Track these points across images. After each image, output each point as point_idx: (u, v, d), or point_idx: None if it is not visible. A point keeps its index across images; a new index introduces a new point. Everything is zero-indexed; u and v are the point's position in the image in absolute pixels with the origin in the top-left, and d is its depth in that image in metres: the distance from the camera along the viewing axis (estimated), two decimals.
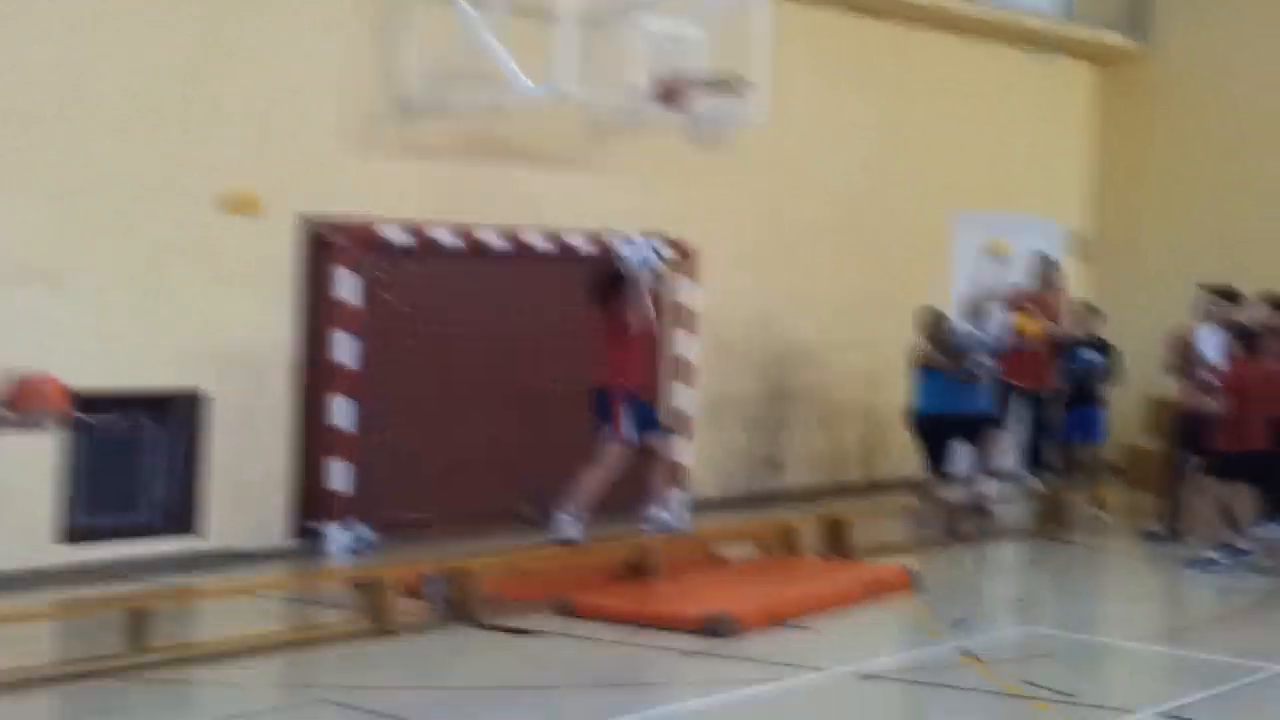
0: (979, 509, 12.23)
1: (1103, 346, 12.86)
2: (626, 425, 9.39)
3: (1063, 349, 12.89)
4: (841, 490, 13.97)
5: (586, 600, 8.46)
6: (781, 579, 9.43)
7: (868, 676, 7.05)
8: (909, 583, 9.31)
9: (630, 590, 8.91)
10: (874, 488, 14.08)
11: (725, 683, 7.03)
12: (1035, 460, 12.60)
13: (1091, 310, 13.22)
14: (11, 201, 9.19)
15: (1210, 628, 8.82)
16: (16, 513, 9.18)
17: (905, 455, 12.85)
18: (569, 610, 8.39)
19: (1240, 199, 15.57)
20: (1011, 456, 12.88)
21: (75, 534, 9.43)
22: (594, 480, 9.43)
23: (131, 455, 9.81)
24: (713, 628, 7.84)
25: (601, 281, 9.71)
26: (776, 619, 8.20)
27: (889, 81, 14.66)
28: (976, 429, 12.08)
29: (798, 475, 13.97)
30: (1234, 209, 15.58)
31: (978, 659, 7.46)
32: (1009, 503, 12.56)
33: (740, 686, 6.94)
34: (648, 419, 9.65)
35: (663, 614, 8.19)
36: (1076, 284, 16.08)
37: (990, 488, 12.27)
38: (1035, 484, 12.44)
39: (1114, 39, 16.40)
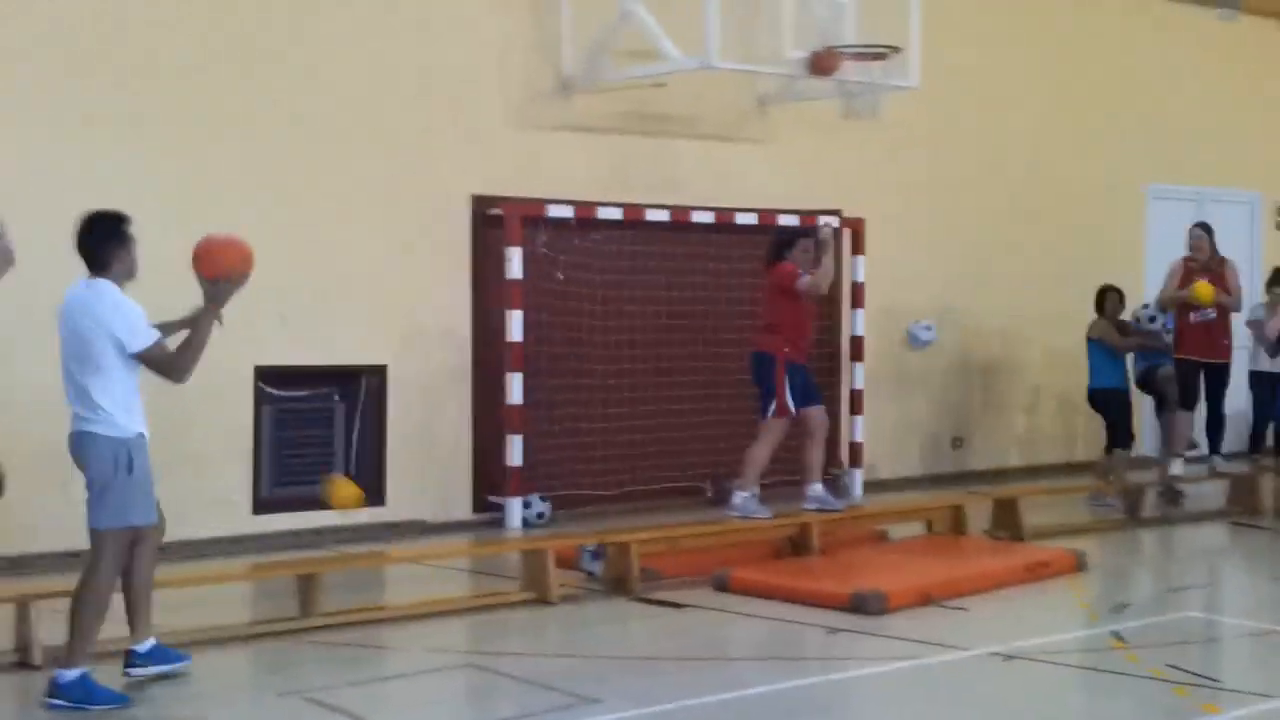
0: (1169, 490, 11.95)
1: None
2: (788, 394, 9.46)
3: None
4: (1033, 472, 13.79)
5: (741, 575, 8.62)
6: (941, 558, 9.43)
7: (1009, 657, 7.04)
8: (1075, 565, 9.19)
9: (786, 566, 9.06)
10: (1070, 469, 13.85)
11: (864, 659, 7.13)
12: (1219, 439, 12.16)
13: None
14: (209, 195, 9.81)
15: None
16: (214, 485, 9.83)
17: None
18: (724, 585, 8.58)
19: None
20: (1200, 437, 12.51)
21: (267, 504, 10.04)
22: (759, 453, 9.56)
23: (320, 428, 10.38)
24: (860, 604, 7.92)
25: (775, 242, 9.81)
26: (929, 598, 8.21)
27: (1069, 47, 14.36)
28: (1160, 405, 11.80)
29: (986, 456, 13.84)
30: None
31: (1124, 642, 7.37)
32: (1201, 483, 12.21)
33: (878, 663, 7.02)
34: (807, 390, 9.68)
35: (813, 590, 8.29)
36: (1273, 255, 15.54)
37: (1178, 468, 11.97)
38: (1221, 464, 12.03)
39: None
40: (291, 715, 6.10)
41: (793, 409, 9.47)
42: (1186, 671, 6.76)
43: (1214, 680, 6.67)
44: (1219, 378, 11.84)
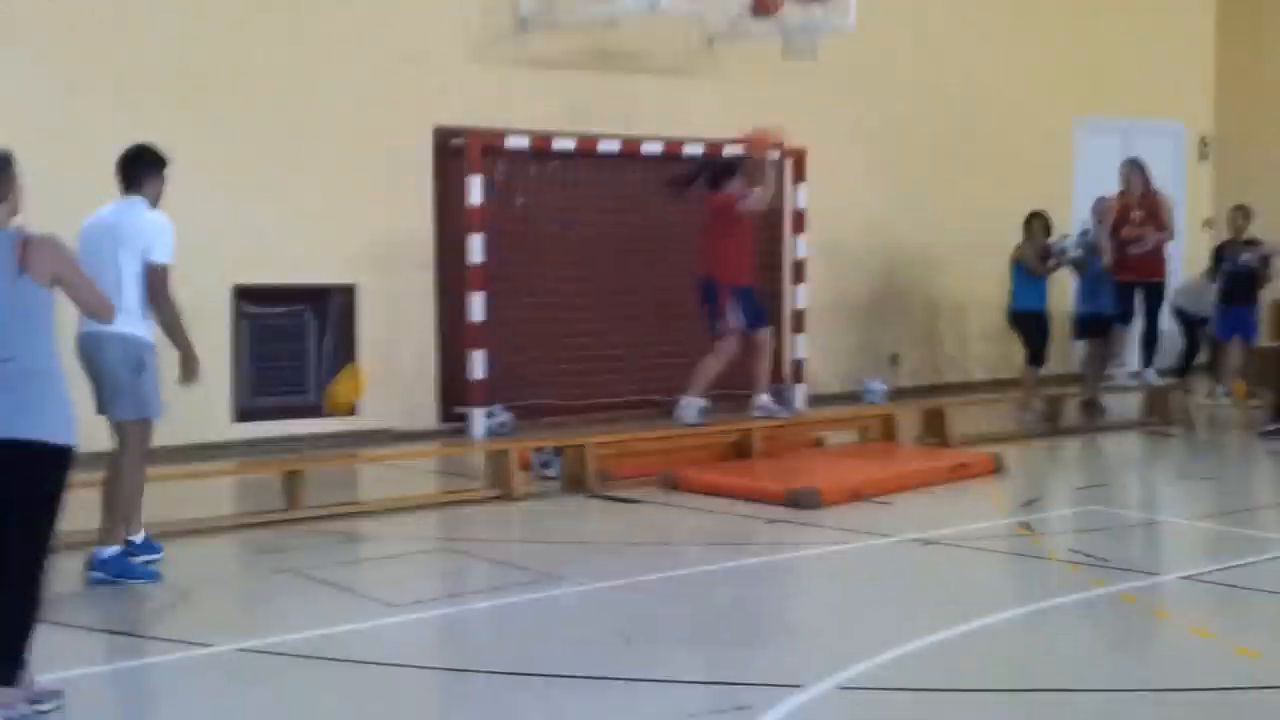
0: (1091, 402, 12.84)
1: (1255, 245, 13.34)
2: (734, 315, 10.27)
3: (1219, 251, 13.46)
4: (967, 387, 14.64)
5: (688, 475, 9.44)
6: (871, 461, 10.29)
7: (927, 542, 7.89)
8: (993, 467, 10.06)
9: (729, 468, 9.88)
10: (1002, 385, 14.69)
11: (797, 544, 7.97)
12: (1153, 354, 13.06)
13: (1243, 212, 13.59)
14: (193, 135, 10.43)
15: (1273, 510, 9.37)
16: (197, 395, 10.46)
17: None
18: (673, 484, 9.39)
19: None
20: (1126, 351, 13.38)
21: (245, 413, 10.76)
22: (709, 368, 10.38)
23: (295, 343, 11.10)
24: (795, 500, 8.74)
25: (713, 171, 10.60)
26: (859, 495, 9.06)
27: None
28: (1098, 328, 12.69)
29: (922, 373, 14.69)
30: None
31: (1030, 530, 8.25)
32: (1124, 396, 13.13)
33: (810, 547, 7.87)
34: (753, 310, 10.49)
35: (753, 487, 9.13)
36: (1197, 185, 16.45)
37: (1101, 381, 12.86)
38: (1154, 378, 12.91)
39: None
40: (288, 587, 6.88)
41: (744, 326, 10.27)
42: (1081, 554, 7.63)
43: (1103, 560, 7.53)
44: (1156, 296, 12.69)
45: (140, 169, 6.93)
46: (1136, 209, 12.44)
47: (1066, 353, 15.05)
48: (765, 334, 10.61)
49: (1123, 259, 12.51)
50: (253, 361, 10.90)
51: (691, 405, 10.39)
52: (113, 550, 6.78)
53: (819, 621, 6.63)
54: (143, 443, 6.91)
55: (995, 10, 15.03)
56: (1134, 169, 12.59)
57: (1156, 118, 16.41)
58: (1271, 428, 11.92)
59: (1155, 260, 12.60)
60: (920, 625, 6.16)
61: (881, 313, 14.44)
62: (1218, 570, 7.33)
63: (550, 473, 9.53)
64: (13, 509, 4.77)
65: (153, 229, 6.82)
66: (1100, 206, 12.79)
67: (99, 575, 6.75)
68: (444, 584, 7.30)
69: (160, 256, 6.81)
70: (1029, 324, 12.54)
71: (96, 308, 5.08)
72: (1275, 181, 15.93)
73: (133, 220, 6.81)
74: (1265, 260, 13.33)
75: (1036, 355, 12.54)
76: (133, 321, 6.77)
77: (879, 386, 12.41)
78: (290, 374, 11.04)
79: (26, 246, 4.80)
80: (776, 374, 12.39)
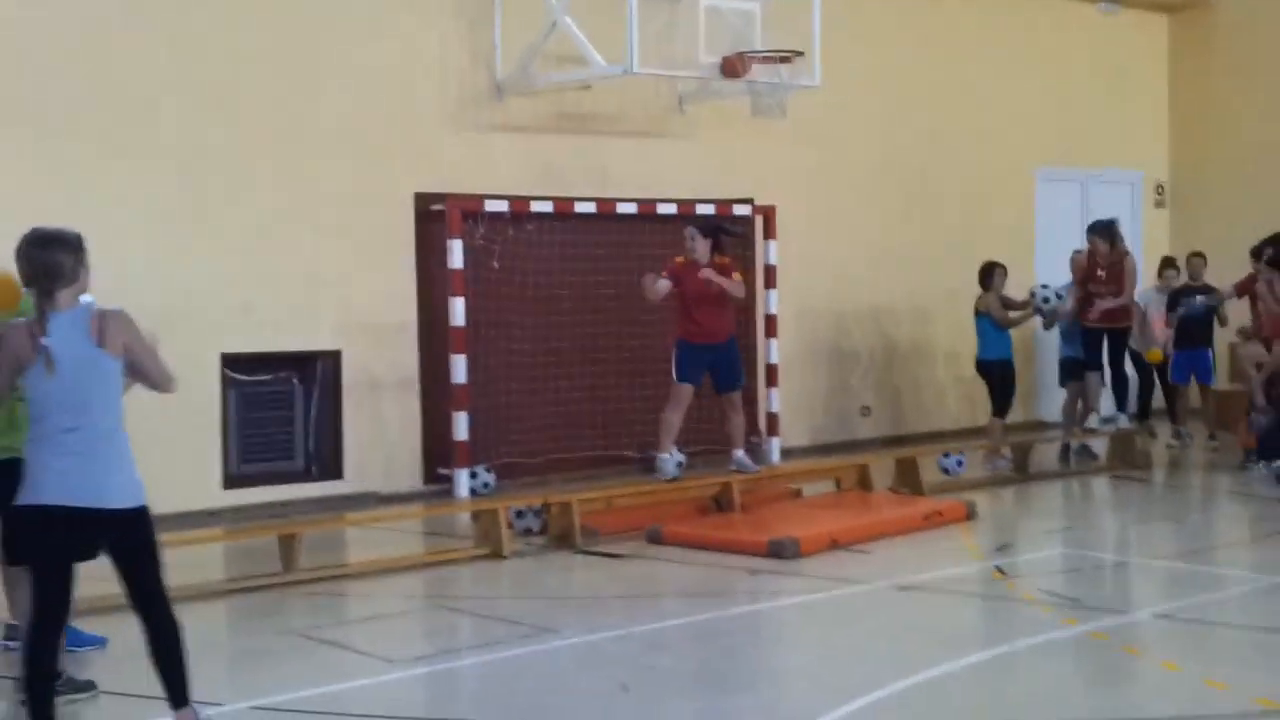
0: (1072, 447, 13.17)
1: (1209, 291, 13.79)
2: (676, 368, 10.59)
3: (1174, 295, 13.93)
4: (937, 436, 14.96)
5: (672, 529, 9.70)
6: (848, 510, 10.57)
7: (904, 588, 8.17)
8: (966, 514, 10.35)
9: (711, 521, 10.14)
10: (970, 434, 15.01)
11: (779, 593, 8.23)
12: (1125, 398, 13.49)
13: (1201, 258, 14.12)
14: (178, 201, 10.70)
15: (1236, 548, 9.72)
16: (187, 463, 10.72)
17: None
18: (657, 538, 9.64)
19: None
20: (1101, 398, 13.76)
21: (235, 480, 10.96)
22: (668, 420, 10.65)
23: (281, 409, 11.32)
24: (776, 550, 9.01)
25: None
26: (837, 543, 9.33)
27: (961, 42, 15.51)
28: (1079, 370, 13.08)
29: (892, 423, 15.00)
30: None
31: (1004, 574, 8.54)
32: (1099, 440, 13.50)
33: (792, 596, 8.13)
34: (723, 369, 10.76)
35: (735, 539, 9.40)
36: (1154, 231, 16.93)
37: (1095, 423, 13.24)
38: (1124, 421, 13.31)
39: None
40: (291, 647, 7.09)
41: (675, 378, 10.60)
42: (1053, 594, 7.93)
43: (1075, 600, 7.84)
44: (1121, 342, 13.19)
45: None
46: (1101, 269, 12.92)
47: (1033, 401, 15.48)
48: (737, 394, 10.89)
49: (1089, 310, 12.95)
50: (241, 428, 11.11)
51: (668, 460, 10.64)
52: None
53: (805, 667, 6.88)
54: None
55: (955, 65, 15.47)
56: (1098, 236, 13.03)
57: (1114, 167, 16.90)
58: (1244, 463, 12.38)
59: (1120, 310, 13.04)
60: (902, 668, 6.43)
61: (851, 364, 14.77)
62: (1186, 606, 7.64)
63: (529, 525, 9.78)
64: (129, 562, 5.29)
65: None
66: (1075, 260, 13.27)
67: None
68: (443, 640, 7.51)
69: None
70: (996, 372, 12.90)
71: (160, 378, 5.36)
72: (1230, 226, 16.34)
73: None
74: (1217, 305, 13.78)
75: (1002, 405, 12.88)
76: None
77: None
78: (278, 440, 11.26)
79: (103, 319, 5.20)
80: (752, 429, 12.70)
